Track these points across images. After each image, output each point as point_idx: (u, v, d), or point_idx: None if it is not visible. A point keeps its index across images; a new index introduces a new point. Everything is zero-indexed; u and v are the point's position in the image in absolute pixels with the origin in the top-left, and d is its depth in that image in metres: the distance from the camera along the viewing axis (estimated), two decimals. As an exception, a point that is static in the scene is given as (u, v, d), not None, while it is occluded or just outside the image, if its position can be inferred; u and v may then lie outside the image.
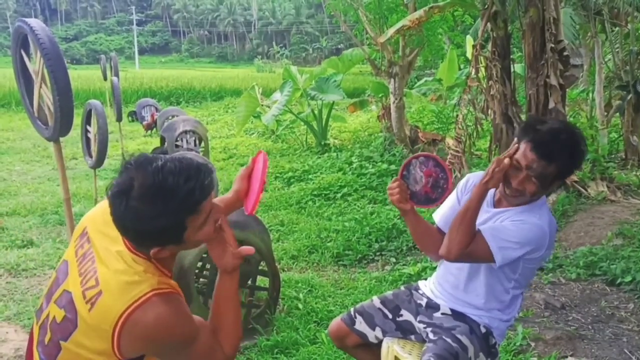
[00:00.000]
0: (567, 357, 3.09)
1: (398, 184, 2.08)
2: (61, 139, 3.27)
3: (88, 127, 5.21)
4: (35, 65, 3.19)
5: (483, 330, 2.13)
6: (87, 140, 5.22)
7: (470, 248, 1.97)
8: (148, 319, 1.37)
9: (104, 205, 1.53)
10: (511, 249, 1.96)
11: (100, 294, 1.40)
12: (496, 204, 2.14)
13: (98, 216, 1.58)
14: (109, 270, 1.44)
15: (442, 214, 2.27)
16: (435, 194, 2.07)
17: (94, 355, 1.41)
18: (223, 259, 1.60)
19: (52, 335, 1.48)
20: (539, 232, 1.98)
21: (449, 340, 2.05)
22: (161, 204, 1.34)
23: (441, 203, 2.12)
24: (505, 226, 2.00)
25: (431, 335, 2.14)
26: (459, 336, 2.07)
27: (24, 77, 3.40)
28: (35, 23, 3.04)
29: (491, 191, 2.11)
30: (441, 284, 2.27)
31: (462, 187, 2.27)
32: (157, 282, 1.42)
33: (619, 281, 3.94)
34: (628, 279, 3.90)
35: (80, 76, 26.30)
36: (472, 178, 2.27)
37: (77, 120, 4.31)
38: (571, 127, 2.08)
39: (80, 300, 1.43)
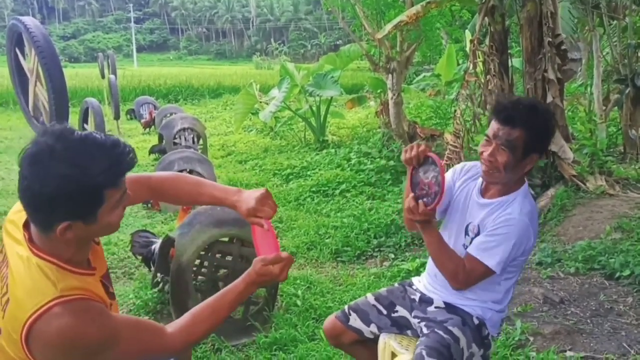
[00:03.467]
0: (565, 351, 3.09)
1: (421, 205, 1.99)
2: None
3: (85, 125, 5.21)
4: (30, 63, 3.18)
5: (476, 321, 2.14)
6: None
7: (472, 273, 2.05)
8: (51, 331, 1.30)
9: (16, 206, 1.48)
10: (499, 252, 2.01)
11: (8, 301, 1.36)
12: (484, 192, 2.16)
13: (10, 216, 1.50)
14: (14, 276, 1.38)
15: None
16: (436, 186, 1.98)
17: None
18: (273, 269, 1.58)
19: None
20: (520, 225, 2.02)
21: (440, 332, 2.07)
22: (87, 163, 1.28)
23: (444, 178, 1.99)
24: (487, 239, 2.04)
25: (424, 329, 2.15)
26: (450, 328, 2.08)
27: (19, 75, 3.40)
28: (30, 21, 3.03)
29: (479, 181, 2.18)
30: (433, 278, 2.28)
31: (458, 172, 2.28)
32: (61, 289, 1.33)
33: (617, 275, 3.93)
34: (627, 272, 3.90)
35: (79, 74, 26.33)
36: (466, 166, 2.29)
37: (75, 118, 4.31)
38: (533, 99, 2.11)
39: None
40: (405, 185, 2.19)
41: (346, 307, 2.41)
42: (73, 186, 1.28)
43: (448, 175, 2.24)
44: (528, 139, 1.98)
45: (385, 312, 2.32)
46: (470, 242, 2.10)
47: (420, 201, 1.99)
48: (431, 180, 1.99)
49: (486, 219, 2.09)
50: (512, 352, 3.05)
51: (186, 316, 1.54)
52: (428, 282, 2.31)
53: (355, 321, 2.33)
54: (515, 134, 1.97)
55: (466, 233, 2.15)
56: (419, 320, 2.22)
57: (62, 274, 1.38)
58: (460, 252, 2.12)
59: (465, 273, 2.05)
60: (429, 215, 2.01)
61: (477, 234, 2.11)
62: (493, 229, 2.04)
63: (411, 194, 2.02)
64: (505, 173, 2.02)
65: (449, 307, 2.19)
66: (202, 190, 1.79)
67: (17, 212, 1.48)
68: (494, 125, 2.02)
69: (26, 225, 1.44)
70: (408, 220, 2.16)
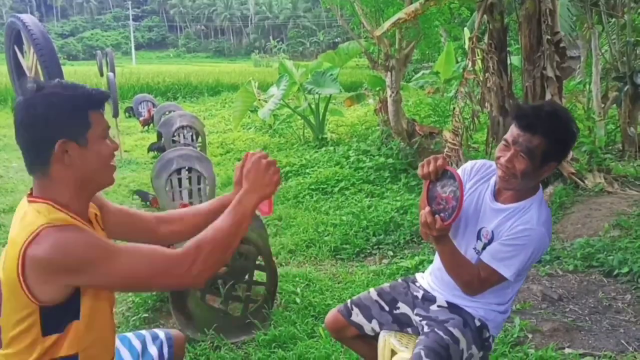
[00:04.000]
0: (564, 348, 3.10)
1: (438, 221, 1.94)
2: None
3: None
4: (29, 61, 3.18)
5: (477, 323, 2.13)
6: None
7: (487, 281, 2.01)
8: (44, 247, 1.36)
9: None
10: (515, 262, 1.97)
11: (6, 251, 1.44)
12: (497, 195, 2.10)
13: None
14: (12, 230, 1.48)
15: None
16: (454, 201, 1.93)
17: (20, 318, 1.42)
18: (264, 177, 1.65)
19: None
20: (536, 235, 1.96)
21: (440, 332, 2.05)
22: (70, 90, 1.49)
23: (463, 194, 1.96)
24: (503, 249, 1.99)
25: (425, 328, 2.14)
26: (451, 329, 2.07)
27: (18, 73, 3.39)
28: (28, 18, 3.03)
29: (492, 183, 2.12)
30: (438, 277, 2.27)
31: (468, 172, 2.21)
32: (50, 219, 1.41)
33: (616, 272, 3.94)
34: (625, 270, 3.91)
35: (77, 72, 26.29)
36: (477, 165, 2.22)
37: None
38: (556, 103, 2.08)
39: (1, 270, 1.46)
40: (421, 196, 2.14)
41: (349, 301, 2.40)
42: (61, 103, 1.46)
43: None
44: (548, 147, 1.92)
45: (387, 308, 2.32)
46: (483, 248, 2.06)
47: (437, 216, 1.94)
48: (449, 194, 1.94)
49: (501, 226, 2.03)
50: (510, 350, 3.06)
51: (190, 241, 1.54)
52: (432, 280, 2.30)
53: (357, 316, 2.33)
54: (535, 142, 1.91)
55: (478, 237, 2.09)
56: (421, 318, 2.22)
57: (55, 212, 1.46)
58: (471, 256, 2.08)
59: (479, 282, 2.01)
60: (446, 230, 1.97)
61: (491, 240, 2.05)
62: (510, 238, 1.98)
63: (427, 208, 1.97)
64: (522, 180, 1.97)
65: (452, 307, 2.18)
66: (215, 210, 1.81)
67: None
68: (514, 131, 1.95)
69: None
70: (424, 233, 2.12)
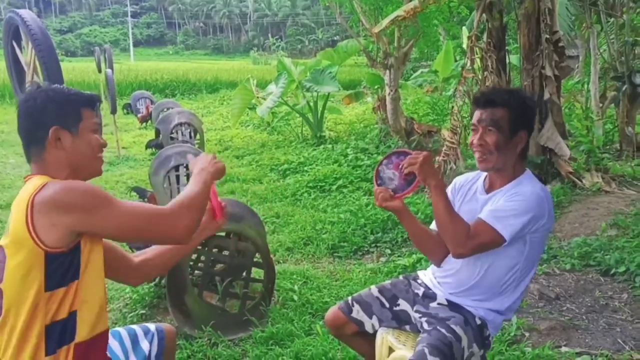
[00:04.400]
0: (561, 347, 3.10)
1: (377, 189, 2.15)
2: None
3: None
4: (27, 56, 3.17)
5: (478, 322, 2.13)
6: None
7: (478, 237, 1.98)
8: (51, 190, 1.52)
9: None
10: (513, 217, 1.97)
11: (11, 217, 1.57)
12: (487, 190, 2.16)
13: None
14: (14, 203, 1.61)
15: None
16: (412, 175, 2.08)
17: (24, 273, 1.51)
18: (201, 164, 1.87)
19: None
20: (535, 198, 2.00)
21: (443, 330, 2.05)
22: (65, 89, 1.72)
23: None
24: (501, 204, 2.02)
25: (425, 326, 2.13)
26: (453, 326, 2.06)
27: (16, 68, 3.38)
28: (27, 14, 3.02)
29: (481, 180, 2.20)
30: (440, 274, 2.27)
31: (452, 190, 2.30)
32: (52, 180, 1.59)
33: (613, 271, 3.95)
34: (622, 269, 3.92)
35: (75, 68, 26.23)
36: (460, 180, 2.32)
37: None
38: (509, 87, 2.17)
39: (3, 239, 1.57)
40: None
41: (349, 298, 2.41)
42: (57, 98, 1.68)
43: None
44: (512, 116, 2.03)
45: (387, 305, 2.32)
46: None
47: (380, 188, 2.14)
48: (392, 170, 2.15)
49: (495, 204, 2.06)
50: (507, 348, 3.06)
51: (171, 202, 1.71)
52: (434, 277, 2.30)
53: (358, 313, 2.33)
54: (498, 114, 2.03)
55: None
56: (420, 315, 2.21)
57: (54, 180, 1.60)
58: (474, 257, 2.10)
59: (470, 237, 1.98)
60: (394, 203, 2.12)
61: None
62: (507, 200, 2.01)
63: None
64: (498, 154, 2.04)
65: (452, 305, 2.18)
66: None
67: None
68: (476, 113, 2.09)
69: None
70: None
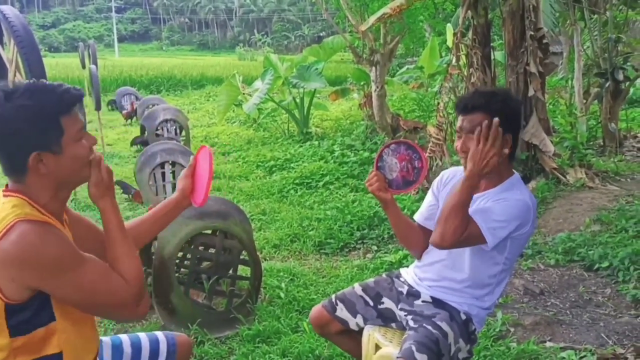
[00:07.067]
0: (545, 342, 3.13)
1: (374, 174, 2.15)
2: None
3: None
4: (9, 53, 3.13)
5: (463, 317, 2.14)
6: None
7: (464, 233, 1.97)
8: (12, 241, 1.35)
9: None
10: (500, 227, 1.96)
11: None
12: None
13: None
14: None
15: (421, 212, 2.33)
16: (412, 176, 2.11)
17: None
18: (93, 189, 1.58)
19: None
20: (523, 206, 2.00)
21: (429, 327, 2.06)
22: (39, 96, 1.43)
23: (419, 184, 2.17)
24: (490, 207, 2.01)
25: (412, 323, 2.14)
26: (439, 323, 2.08)
27: (-2, 65, 3.34)
28: (8, 10, 2.97)
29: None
30: (423, 271, 2.28)
31: (437, 184, 2.31)
32: (24, 213, 1.40)
33: (596, 267, 3.99)
34: (605, 264, 3.96)
35: (59, 64, 25.96)
36: (447, 173, 2.32)
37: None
38: (494, 87, 2.15)
39: None
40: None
41: (333, 296, 2.40)
42: (31, 114, 1.41)
43: (430, 192, 2.32)
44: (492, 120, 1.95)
45: (371, 303, 2.33)
46: None
47: (377, 173, 2.16)
48: (396, 159, 2.15)
49: (483, 204, 2.05)
50: (493, 343, 3.09)
51: (114, 258, 1.55)
52: (416, 275, 2.31)
53: (341, 311, 2.33)
54: (478, 119, 1.96)
55: None
56: (406, 313, 2.22)
57: (32, 208, 1.45)
58: (459, 252, 2.11)
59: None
60: (385, 196, 2.15)
61: None
62: (496, 204, 2.00)
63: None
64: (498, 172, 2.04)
65: (436, 302, 2.19)
66: (156, 215, 1.82)
67: None
68: (459, 119, 2.08)
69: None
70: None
